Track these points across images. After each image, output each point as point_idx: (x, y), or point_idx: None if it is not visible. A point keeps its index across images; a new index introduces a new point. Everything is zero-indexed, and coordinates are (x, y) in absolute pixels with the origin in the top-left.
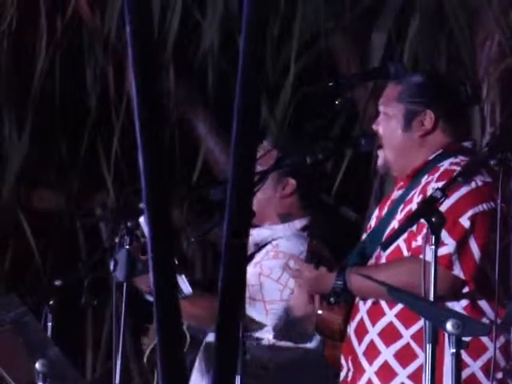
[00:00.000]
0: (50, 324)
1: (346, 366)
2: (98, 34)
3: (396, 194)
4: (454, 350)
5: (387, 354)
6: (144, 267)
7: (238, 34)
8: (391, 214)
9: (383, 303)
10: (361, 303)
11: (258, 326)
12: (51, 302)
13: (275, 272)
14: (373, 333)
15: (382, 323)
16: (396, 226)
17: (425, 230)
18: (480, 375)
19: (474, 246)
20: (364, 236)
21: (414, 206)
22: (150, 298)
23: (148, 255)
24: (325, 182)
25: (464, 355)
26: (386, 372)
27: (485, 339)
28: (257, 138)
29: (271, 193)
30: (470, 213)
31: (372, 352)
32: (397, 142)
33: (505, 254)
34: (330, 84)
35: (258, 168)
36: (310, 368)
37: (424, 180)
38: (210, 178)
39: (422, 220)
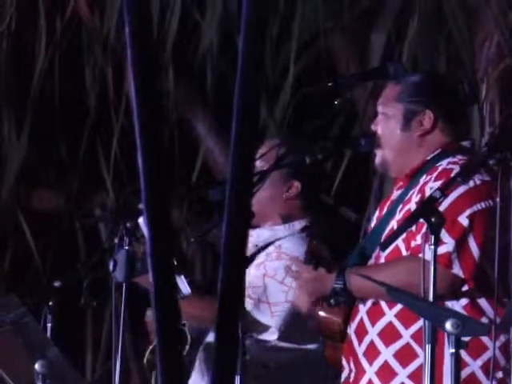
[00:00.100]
0: (49, 325)
1: (347, 366)
2: (98, 34)
3: (395, 194)
4: (454, 350)
5: (387, 354)
6: (143, 267)
7: (237, 35)
8: (390, 214)
9: (383, 303)
10: (360, 304)
11: (263, 328)
12: (51, 303)
13: (279, 273)
14: (372, 333)
15: (381, 323)
16: (395, 226)
17: (424, 229)
18: (480, 374)
19: (472, 245)
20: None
21: (412, 205)
22: None
23: (147, 254)
24: (324, 182)
25: (464, 354)
26: (386, 372)
27: (485, 338)
28: (256, 138)
29: (275, 193)
30: (468, 211)
31: (372, 352)
32: (396, 141)
33: (504, 253)
34: (330, 84)
35: (263, 164)
36: (311, 368)
37: (422, 180)
38: (210, 179)
39: (422, 220)
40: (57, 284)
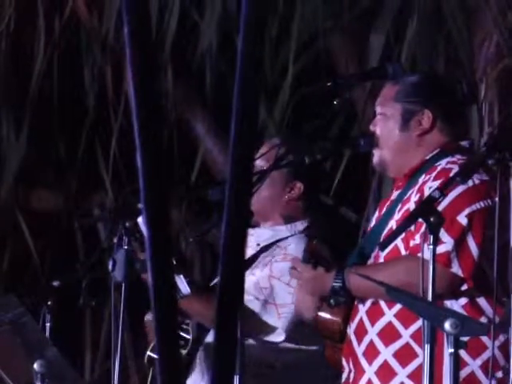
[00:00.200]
0: (48, 324)
1: (347, 367)
2: (96, 34)
3: (394, 194)
4: (453, 350)
5: (386, 353)
6: (142, 267)
7: (236, 35)
8: (389, 213)
9: (382, 303)
10: (360, 304)
11: (271, 330)
12: (49, 303)
13: (286, 275)
14: (372, 333)
15: (381, 323)
16: (394, 226)
17: (423, 229)
18: (479, 374)
19: (472, 244)
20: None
21: (411, 205)
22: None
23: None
24: (324, 182)
25: (463, 354)
26: (385, 372)
27: (484, 338)
28: (255, 138)
29: (276, 193)
30: (467, 211)
31: (371, 352)
32: (394, 141)
33: (503, 252)
34: (329, 84)
35: (263, 163)
36: (312, 368)
37: (421, 179)
38: (209, 179)
39: (421, 219)
40: (55, 284)
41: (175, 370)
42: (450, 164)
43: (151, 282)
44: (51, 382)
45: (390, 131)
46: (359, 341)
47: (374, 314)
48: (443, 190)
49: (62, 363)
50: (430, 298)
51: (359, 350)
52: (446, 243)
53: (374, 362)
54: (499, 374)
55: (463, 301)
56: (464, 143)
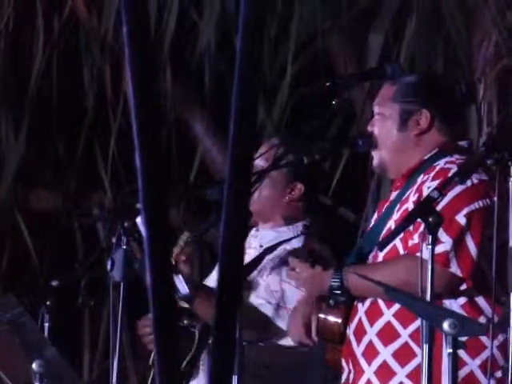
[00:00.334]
0: (46, 324)
1: (346, 367)
2: (95, 34)
3: (393, 194)
4: (451, 350)
5: (386, 353)
6: (141, 267)
7: (235, 34)
8: (388, 213)
9: (381, 303)
10: (359, 304)
11: (283, 334)
12: (48, 303)
13: None
14: (371, 333)
15: (380, 323)
16: (392, 226)
17: (421, 229)
18: (478, 373)
19: (470, 244)
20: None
21: (410, 205)
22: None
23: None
24: (323, 182)
25: (462, 353)
26: (384, 372)
27: (483, 338)
28: (254, 138)
29: (277, 194)
30: (466, 210)
31: (371, 352)
32: (392, 141)
33: (502, 252)
34: (327, 84)
35: (263, 163)
36: (311, 369)
37: (420, 179)
38: (207, 178)
39: (419, 219)
40: (54, 283)
41: (174, 369)
42: (448, 164)
43: (150, 282)
44: (50, 382)
45: (388, 131)
46: (358, 341)
47: (373, 314)
48: (442, 189)
49: (60, 363)
50: (428, 297)
51: (358, 350)
52: (445, 243)
53: (373, 362)
54: (498, 374)
55: (462, 300)
56: (463, 143)
